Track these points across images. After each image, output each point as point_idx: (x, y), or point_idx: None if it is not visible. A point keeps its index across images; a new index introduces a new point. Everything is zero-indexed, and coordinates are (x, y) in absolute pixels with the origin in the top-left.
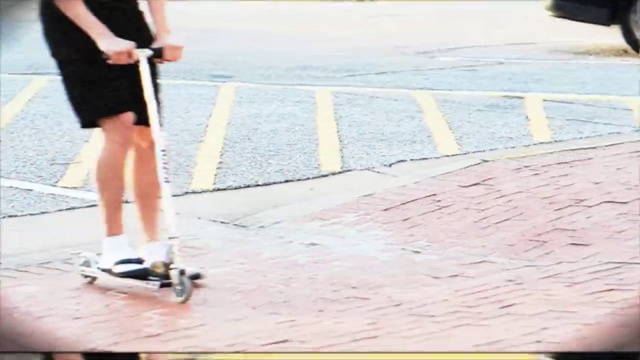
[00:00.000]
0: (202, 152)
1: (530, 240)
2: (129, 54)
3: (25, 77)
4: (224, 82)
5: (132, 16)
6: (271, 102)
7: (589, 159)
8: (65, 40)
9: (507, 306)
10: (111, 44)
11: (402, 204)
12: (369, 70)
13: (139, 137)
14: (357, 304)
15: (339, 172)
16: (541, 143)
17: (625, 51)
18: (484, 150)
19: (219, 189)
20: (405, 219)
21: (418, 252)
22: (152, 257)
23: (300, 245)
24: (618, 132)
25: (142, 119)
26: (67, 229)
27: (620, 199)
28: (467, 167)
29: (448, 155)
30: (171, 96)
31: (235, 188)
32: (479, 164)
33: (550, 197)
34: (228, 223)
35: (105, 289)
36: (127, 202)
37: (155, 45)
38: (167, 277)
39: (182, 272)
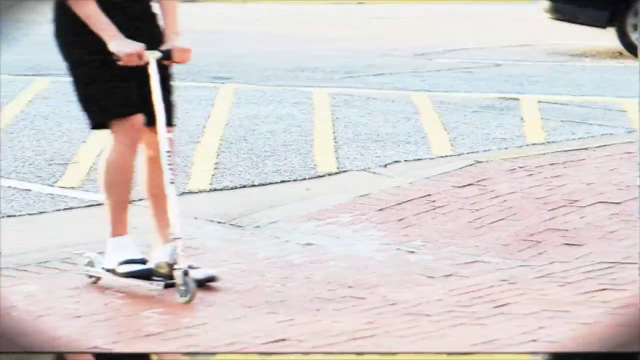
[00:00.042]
0: (199, 152)
1: (523, 240)
2: (139, 56)
3: (26, 79)
4: (223, 83)
5: (144, 18)
6: (269, 103)
7: (582, 159)
8: (76, 43)
9: (501, 305)
10: (121, 46)
11: (397, 204)
12: (366, 72)
13: (150, 139)
14: (353, 303)
15: (335, 173)
16: (534, 144)
17: (621, 53)
18: (477, 151)
19: (215, 189)
20: (400, 219)
21: (413, 252)
22: (166, 258)
23: (297, 245)
24: (611, 134)
25: (153, 120)
26: (66, 228)
27: (613, 199)
28: (462, 167)
29: (443, 156)
30: None
31: (232, 188)
32: (473, 164)
33: (544, 198)
34: (225, 223)
35: (104, 288)
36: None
37: (164, 47)
38: (171, 277)
39: (186, 273)
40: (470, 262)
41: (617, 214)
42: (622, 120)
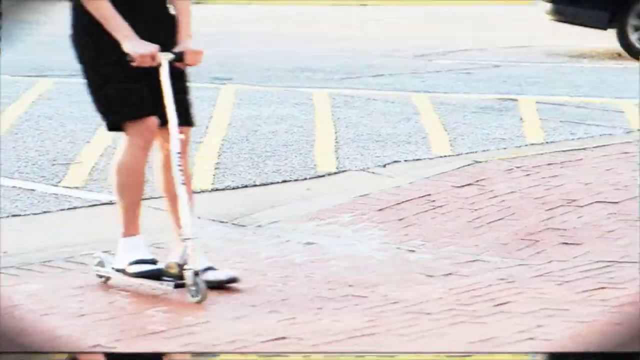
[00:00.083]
0: (201, 152)
1: (522, 239)
2: (153, 57)
3: (30, 79)
4: (225, 84)
5: (159, 18)
6: (270, 104)
7: (580, 160)
8: (91, 44)
9: (500, 304)
10: (136, 47)
11: (397, 204)
12: (366, 73)
13: (165, 139)
14: (354, 302)
15: (335, 173)
16: (533, 144)
17: (619, 55)
18: (477, 152)
19: (217, 189)
20: (400, 219)
21: (413, 251)
22: (176, 259)
23: (297, 245)
24: (609, 134)
25: (167, 121)
26: (69, 228)
27: (611, 199)
28: (461, 167)
29: (442, 157)
30: None
31: (234, 188)
32: (472, 164)
33: (542, 198)
34: (226, 223)
35: (107, 287)
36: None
37: (176, 49)
38: (181, 277)
39: (196, 273)
40: (470, 261)
41: (615, 213)
42: (620, 120)
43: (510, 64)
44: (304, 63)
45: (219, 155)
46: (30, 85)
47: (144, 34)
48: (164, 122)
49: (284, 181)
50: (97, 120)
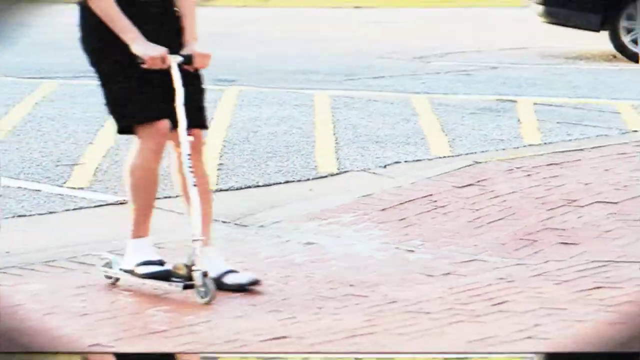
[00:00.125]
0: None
1: (521, 239)
2: (162, 60)
3: (33, 81)
4: (231, 85)
5: (165, 21)
6: (271, 105)
7: (578, 160)
8: (103, 48)
9: (499, 303)
10: (145, 49)
11: (399, 204)
12: (366, 75)
13: (178, 141)
14: (354, 301)
15: (337, 174)
16: (531, 145)
17: (615, 56)
18: (476, 152)
19: (220, 190)
20: (401, 219)
21: (412, 251)
22: (208, 264)
23: (299, 245)
24: (606, 135)
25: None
26: (74, 228)
27: (610, 199)
28: (461, 168)
29: (442, 157)
30: None
31: (236, 189)
32: (472, 165)
33: (542, 198)
34: (229, 222)
35: (109, 287)
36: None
37: (184, 51)
38: (189, 278)
39: (204, 274)
40: (469, 261)
41: (615, 213)
42: (616, 121)
43: (508, 66)
44: (304, 65)
45: (221, 156)
46: (34, 87)
47: (150, 35)
48: (176, 124)
49: (286, 182)
50: (99, 122)
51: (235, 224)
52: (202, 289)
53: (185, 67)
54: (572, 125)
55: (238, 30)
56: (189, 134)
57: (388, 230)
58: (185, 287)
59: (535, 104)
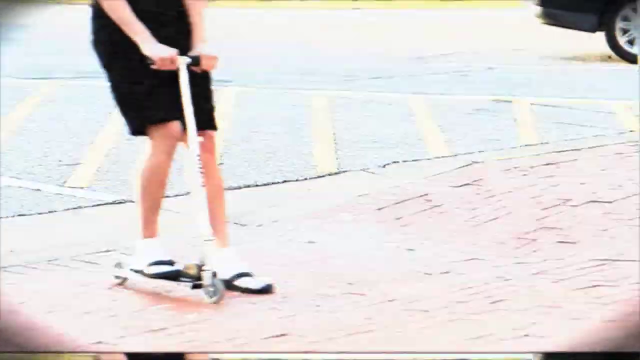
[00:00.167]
0: None
1: (518, 238)
2: (172, 61)
3: (35, 82)
4: (226, 86)
5: (175, 22)
6: (271, 106)
7: (574, 160)
8: (115, 51)
9: (496, 302)
10: (155, 50)
11: (396, 203)
12: (364, 76)
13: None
14: (353, 299)
15: (335, 173)
16: (527, 145)
17: (610, 57)
18: (473, 152)
19: None
20: (399, 218)
21: (411, 249)
22: (223, 265)
23: (297, 244)
24: (602, 135)
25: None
26: (74, 227)
27: (605, 198)
28: (458, 168)
29: (439, 157)
30: None
31: (236, 188)
32: (469, 165)
33: (538, 197)
34: (228, 222)
35: (111, 286)
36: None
37: (192, 53)
38: (199, 278)
39: (214, 274)
40: (467, 260)
41: (609, 212)
42: (612, 122)
43: (504, 67)
44: (303, 66)
45: (221, 156)
46: (36, 87)
47: (160, 37)
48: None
49: (285, 181)
50: (100, 122)
51: (235, 223)
52: (211, 289)
53: (193, 68)
54: (569, 125)
55: (237, 31)
56: (199, 135)
57: (386, 229)
58: (194, 287)
59: (531, 104)
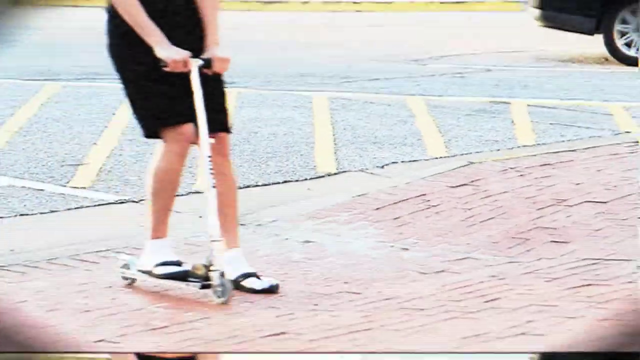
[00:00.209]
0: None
1: (513, 237)
2: (185, 63)
3: (38, 83)
4: (227, 87)
5: (188, 25)
6: (271, 106)
7: (570, 161)
8: (129, 55)
9: (490, 300)
10: (168, 52)
11: (394, 203)
12: (363, 77)
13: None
14: (350, 298)
15: (334, 174)
16: (524, 146)
17: (606, 59)
18: (470, 153)
19: None
20: (396, 218)
21: (406, 249)
22: (230, 265)
23: (296, 243)
24: (598, 136)
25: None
26: (76, 227)
27: (600, 199)
28: (455, 168)
29: (437, 158)
30: None
31: None
32: (466, 165)
33: (533, 197)
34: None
35: (111, 285)
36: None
37: (204, 55)
38: (207, 278)
39: (222, 274)
40: (461, 259)
41: (603, 212)
42: (608, 123)
43: (502, 68)
44: (303, 68)
45: None
46: (39, 88)
47: (174, 39)
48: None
49: (285, 181)
50: (103, 123)
51: None
52: (219, 289)
53: (205, 70)
54: (565, 126)
55: (238, 34)
56: (211, 137)
57: (383, 229)
58: (203, 287)
59: (529, 105)
